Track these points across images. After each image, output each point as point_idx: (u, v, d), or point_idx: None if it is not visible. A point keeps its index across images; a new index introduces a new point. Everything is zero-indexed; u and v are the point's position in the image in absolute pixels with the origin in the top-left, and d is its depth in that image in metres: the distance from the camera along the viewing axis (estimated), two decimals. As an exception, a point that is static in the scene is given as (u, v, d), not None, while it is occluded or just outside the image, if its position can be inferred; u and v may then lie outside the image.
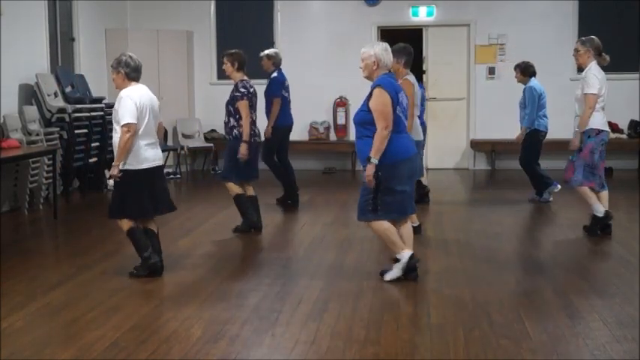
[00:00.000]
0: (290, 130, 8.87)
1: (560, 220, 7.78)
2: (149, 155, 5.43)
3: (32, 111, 8.94)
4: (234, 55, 6.98)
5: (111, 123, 9.99)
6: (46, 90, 9.14)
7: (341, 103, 12.13)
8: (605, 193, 6.78)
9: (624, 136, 11.73)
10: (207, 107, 12.05)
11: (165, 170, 11.50)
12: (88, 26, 10.91)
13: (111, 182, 5.48)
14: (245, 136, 6.83)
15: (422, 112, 7.87)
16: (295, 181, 8.71)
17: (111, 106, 10.37)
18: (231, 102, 6.91)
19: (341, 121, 12.16)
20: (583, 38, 6.80)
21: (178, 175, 11.51)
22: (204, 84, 12.34)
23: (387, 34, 12.61)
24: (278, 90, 8.49)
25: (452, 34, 12.17)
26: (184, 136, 11.93)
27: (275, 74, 8.56)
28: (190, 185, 11.17)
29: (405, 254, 5.28)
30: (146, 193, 5.46)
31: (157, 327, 4.43)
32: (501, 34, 11.93)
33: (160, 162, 5.57)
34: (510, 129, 11.89)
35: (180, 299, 5.00)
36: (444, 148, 12.27)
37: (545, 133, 8.82)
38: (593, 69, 6.57)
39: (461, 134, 12.28)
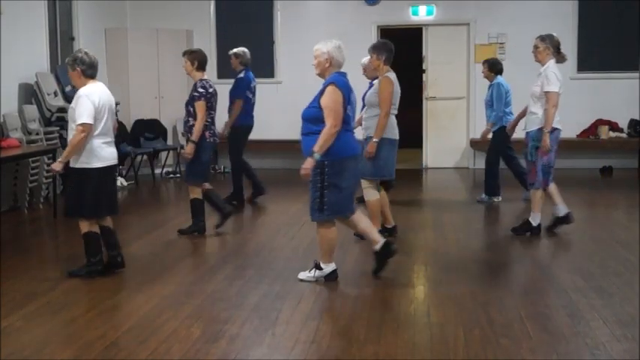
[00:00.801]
0: (249, 131, 8.82)
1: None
2: (106, 154, 5.42)
3: (32, 110, 8.94)
4: (194, 54, 6.93)
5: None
6: (46, 89, 9.14)
7: (341, 102, 12.11)
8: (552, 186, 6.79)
9: (624, 135, 11.73)
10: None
11: (165, 169, 11.63)
12: (87, 26, 10.91)
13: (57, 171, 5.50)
14: (194, 137, 6.77)
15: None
16: (242, 185, 8.72)
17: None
18: (190, 102, 6.86)
19: (341, 120, 12.14)
20: (542, 35, 6.77)
21: (178, 175, 11.50)
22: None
23: (387, 34, 12.62)
24: (242, 91, 8.43)
25: (452, 33, 12.16)
26: (184, 135, 11.91)
27: (242, 74, 8.50)
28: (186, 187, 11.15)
29: (330, 267, 5.35)
30: (103, 191, 5.45)
31: (157, 326, 4.42)
32: (501, 33, 11.92)
33: (115, 161, 5.55)
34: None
35: (180, 298, 4.99)
36: (443, 147, 12.27)
37: None
38: (553, 67, 6.57)
39: (461, 133, 12.27)
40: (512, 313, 4.60)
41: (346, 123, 5.10)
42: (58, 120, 9.12)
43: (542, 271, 5.69)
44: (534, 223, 6.72)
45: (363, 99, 7.20)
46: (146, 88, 11.53)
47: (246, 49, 8.78)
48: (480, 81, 12.15)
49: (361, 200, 7.00)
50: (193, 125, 6.80)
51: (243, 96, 8.43)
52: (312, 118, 5.11)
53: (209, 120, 6.89)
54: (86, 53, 5.44)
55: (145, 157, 11.27)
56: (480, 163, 12.23)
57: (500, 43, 11.96)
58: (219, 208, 7.10)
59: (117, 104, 10.39)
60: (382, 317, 4.55)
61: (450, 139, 12.21)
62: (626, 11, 11.73)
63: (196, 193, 6.99)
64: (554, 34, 6.70)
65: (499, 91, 8.42)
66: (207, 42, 12.32)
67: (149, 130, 11.42)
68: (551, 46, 6.59)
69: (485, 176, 8.75)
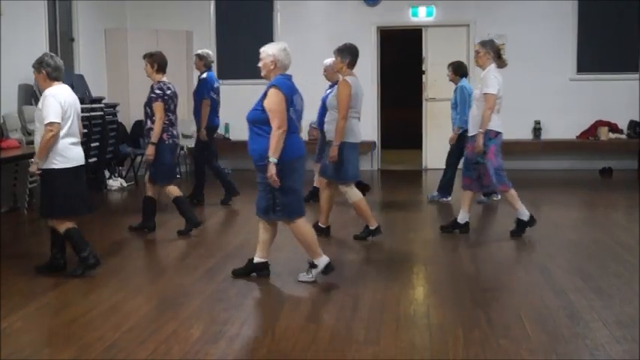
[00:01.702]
0: (215, 131, 8.90)
1: (558, 220, 7.78)
2: (73, 154, 5.45)
3: (32, 111, 8.90)
4: (154, 57, 6.99)
5: (110, 123, 10.18)
6: (46, 90, 9.13)
7: (341, 103, 12.12)
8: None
9: (624, 137, 11.74)
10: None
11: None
12: (87, 26, 10.91)
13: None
14: (154, 138, 6.81)
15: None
16: (204, 185, 8.78)
17: (111, 106, 10.52)
18: (148, 103, 6.90)
19: (340, 121, 12.15)
20: (484, 40, 6.89)
21: (178, 176, 11.49)
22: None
23: (387, 34, 12.64)
24: (207, 91, 8.47)
25: (451, 34, 12.16)
26: (184, 136, 11.87)
27: (204, 75, 8.54)
28: (190, 185, 11.15)
29: (323, 261, 5.34)
30: (73, 191, 5.47)
31: (156, 327, 4.42)
32: (501, 34, 11.90)
33: (82, 161, 5.57)
34: (510, 129, 11.84)
35: (180, 299, 4.99)
36: (443, 149, 12.18)
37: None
38: (493, 70, 6.60)
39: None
40: (511, 314, 4.61)
41: (290, 125, 5.11)
42: (57, 120, 9.11)
43: (541, 271, 5.69)
44: (525, 218, 6.74)
45: (324, 101, 7.27)
46: (146, 89, 11.40)
47: (209, 51, 8.89)
48: (479, 81, 12.17)
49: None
50: (151, 128, 6.85)
51: (208, 96, 8.47)
52: (255, 120, 5.11)
53: (167, 122, 6.90)
54: (52, 56, 5.51)
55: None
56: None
57: (500, 44, 11.92)
58: (188, 217, 7.07)
59: (115, 106, 10.53)
60: (382, 318, 4.56)
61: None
62: (626, 11, 11.73)
63: (174, 191, 7.02)
64: (494, 40, 6.83)
65: (462, 94, 8.36)
66: (207, 42, 12.31)
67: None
68: (491, 51, 6.65)
69: (443, 176, 8.81)
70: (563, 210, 8.45)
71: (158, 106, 6.83)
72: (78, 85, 9.93)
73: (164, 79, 6.99)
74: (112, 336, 4.26)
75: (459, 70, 8.55)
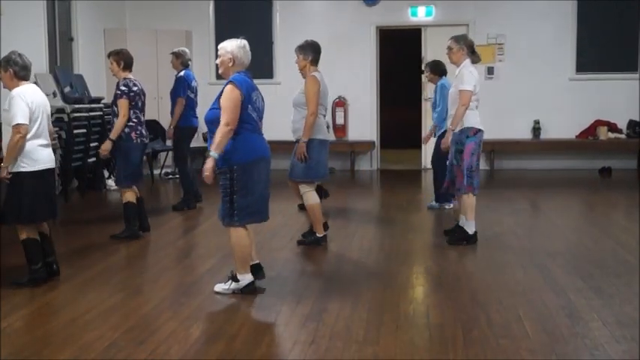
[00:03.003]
0: (194, 132, 8.71)
1: (558, 220, 7.78)
2: (42, 156, 5.23)
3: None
4: (120, 55, 6.88)
5: (109, 123, 10.15)
6: (45, 90, 9.09)
7: (340, 103, 12.13)
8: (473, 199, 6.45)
9: (623, 136, 11.74)
10: (206, 107, 11.91)
11: (164, 170, 11.61)
12: (86, 26, 10.91)
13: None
14: (113, 134, 6.71)
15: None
16: (192, 187, 8.55)
17: (110, 106, 10.47)
18: (114, 101, 6.80)
19: (340, 121, 12.16)
20: (456, 35, 6.63)
21: (177, 176, 11.49)
22: (203, 84, 12.26)
23: (387, 34, 12.64)
24: (183, 90, 8.35)
25: (451, 34, 11.90)
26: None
27: (181, 74, 8.43)
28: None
29: (247, 279, 5.06)
30: (40, 195, 5.26)
31: (156, 327, 4.42)
32: (500, 34, 11.93)
33: (52, 164, 5.36)
34: (509, 129, 11.97)
35: (179, 299, 4.99)
36: (443, 148, 12.25)
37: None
38: (468, 66, 6.39)
39: (460, 134, 12.27)
40: (511, 314, 4.61)
41: (247, 123, 4.90)
42: (57, 120, 9.10)
43: (541, 271, 5.69)
44: (470, 232, 6.49)
45: None
46: (146, 89, 11.50)
47: (186, 49, 8.73)
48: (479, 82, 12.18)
49: (302, 207, 6.93)
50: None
51: (184, 95, 8.34)
52: (215, 119, 4.91)
53: (135, 120, 6.80)
54: (19, 55, 5.28)
55: (144, 157, 11.24)
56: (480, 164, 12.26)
57: (499, 44, 11.97)
58: (129, 226, 6.86)
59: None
60: (381, 318, 4.56)
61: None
62: (626, 11, 11.74)
63: (129, 196, 6.85)
64: (467, 35, 6.58)
65: (442, 92, 7.98)
66: (206, 42, 12.33)
67: (148, 130, 11.37)
68: (465, 46, 6.43)
69: (434, 179, 8.46)
70: (563, 210, 8.45)
71: (123, 103, 6.70)
72: (77, 85, 9.94)
73: (130, 76, 6.85)
74: (112, 336, 4.26)
75: (436, 69, 8.28)
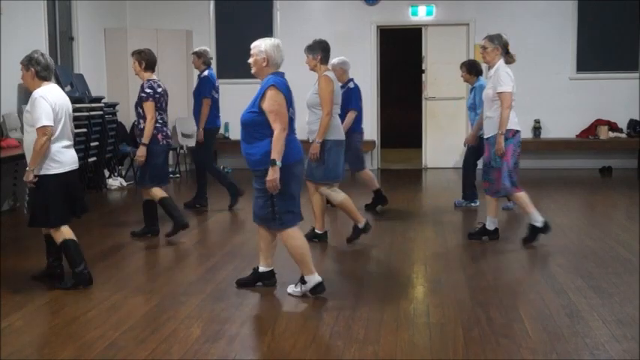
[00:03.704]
0: (217, 132, 8.64)
1: (558, 219, 7.78)
2: (66, 158, 5.17)
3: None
4: (142, 54, 6.75)
5: (110, 122, 10.17)
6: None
7: (340, 102, 12.12)
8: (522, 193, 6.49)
9: (623, 136, 11.74)
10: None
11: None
12: (87, 25, 10.91)
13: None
14: (145, 139, 6.59)
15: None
16: (206, 187, 8.51)
17: (110, 105, 10.52)
18: (139, 103, 6.69)
19: (340, 120, 12.15)
20: (491, 35, 6.45)
21: (178, 175, 11.51)
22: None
23: (387, 34, 12.64)
24: (208, 90, 8.20)
25: (451, 33, 12.16)
26: (184, 135, 11.92)
27: (205, 73, 8.27)
28: (190, 185, 11.16)
29: (314, 280, 4.95)
30: (68, 198, 5.19)
31: (156, 326, 4.42)
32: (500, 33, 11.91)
33: (76, 165, 5.30)
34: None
35: (180, 298, 4.99)
36: (443, 148, 12.27)
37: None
38: (503, 67, 6.30)
39: (460, 133, 12.23)
40: (511, 313, 4.61)
41: (290, 126, 4.84)
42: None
43: (541, 271, 5.69)
44: (539, 224, 6.44)
45: None
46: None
47: (207, 48, 8.55)
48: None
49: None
50: (144, 128, 6.64)
51: (209, 95, 8.20)
52: (253, 123, 4.80)
53: (160, 121, 6.72)
54: (42, 54, 5.15)
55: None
56: (480, 164, 12.26)
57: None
58: (175, 217, 6.80)
59: (114, 105, 10.53)
60: (381, 317, 4.56)
61: (449, 139, 12.20)
62: (626, 11, 11.74)
63: (158, 193, 6.78)
64: (502, 34, 6.40)
65: (482, 94, 7.61)
66: (206, 42, 12.31)
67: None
68: (500, 46, 6.31)
69: (464, 181, 8.48)
70: (563, 209, 8.44)
71: (149, 106, 6.59)
72: (77, 84, 9.94)
73: (153, 76, 6.76)
74: (112, 335, 4.26)
75: (473, 69, 8.11)
